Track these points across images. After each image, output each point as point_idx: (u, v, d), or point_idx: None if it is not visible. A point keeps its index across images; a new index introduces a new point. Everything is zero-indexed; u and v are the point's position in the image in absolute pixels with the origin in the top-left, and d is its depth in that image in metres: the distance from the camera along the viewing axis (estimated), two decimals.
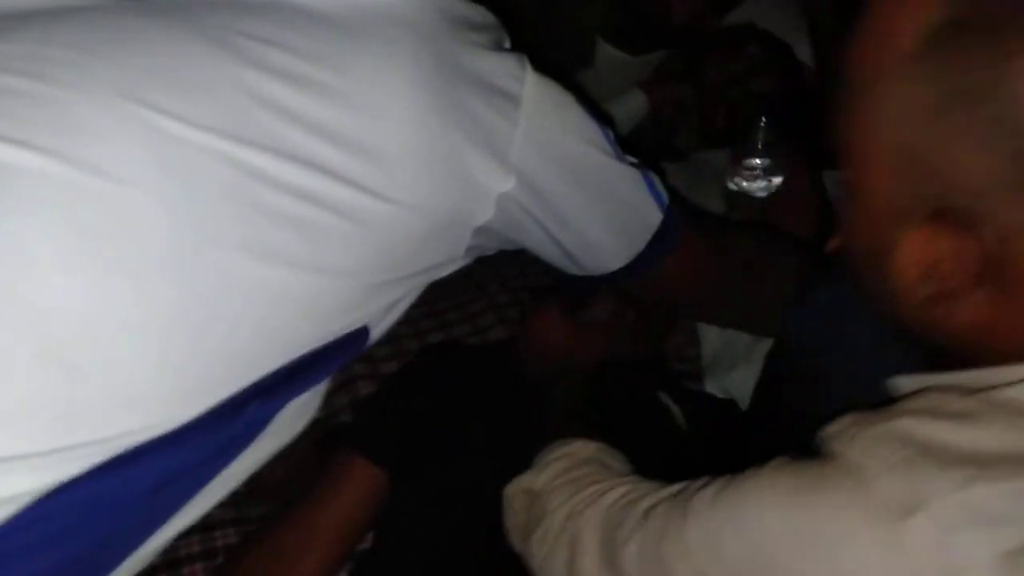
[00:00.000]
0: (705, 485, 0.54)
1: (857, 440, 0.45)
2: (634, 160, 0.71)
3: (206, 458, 0.52)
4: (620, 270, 0.73)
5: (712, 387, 1.13)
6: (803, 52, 1.51)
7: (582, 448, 0.75)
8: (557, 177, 0.61)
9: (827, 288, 0.76)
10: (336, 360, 0.56)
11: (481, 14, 0.60)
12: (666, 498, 0.57)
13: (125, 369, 0.46)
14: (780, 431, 0.82)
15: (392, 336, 1.24)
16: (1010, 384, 0.42)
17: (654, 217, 0.72)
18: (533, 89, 0.58)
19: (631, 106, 1.43)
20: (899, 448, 0.42)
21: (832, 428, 0.48)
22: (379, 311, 0.58)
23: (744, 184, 1.00)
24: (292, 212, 0.48)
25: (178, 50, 0.49)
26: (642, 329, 0.98)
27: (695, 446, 0.98)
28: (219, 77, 0.48)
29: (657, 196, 0.72)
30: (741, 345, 1.13)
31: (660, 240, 0.72)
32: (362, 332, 0.57)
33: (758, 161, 1.00)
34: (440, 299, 1.33)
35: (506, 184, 0.58)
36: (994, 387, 0.43)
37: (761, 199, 1.00)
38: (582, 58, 1.53)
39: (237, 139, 0.47)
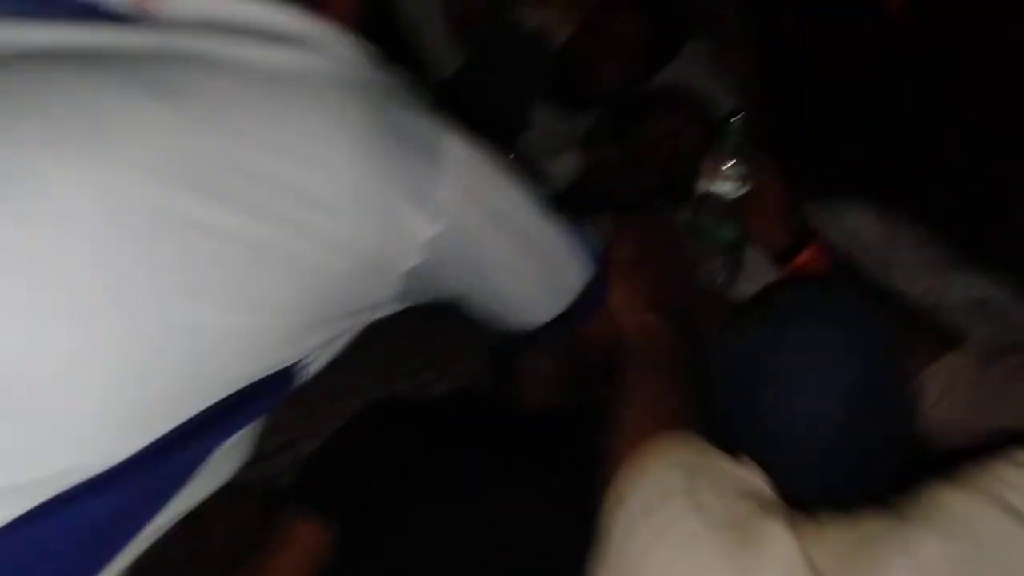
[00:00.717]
0: None
1: None
2: (564, 219, 0.74)
3: (141, 500, 0.53)
4: (548, 325, 0.75)
5: None
6: (727, 108, 1.59)
7: (691, 455, 0.65)
8: (483, 228, 0.65)
9: (742, 329, 0.80)
10: (269, 398, 0.58)
11: (405, 77, 0.64)
12: None
13: (65, 409, 0.47)
14: None
15: (335, 392, 1.26)
16: None
17: (582, 275, 0.75)
18: (458, 142, 0.63)
19: (567, 165, 1.49)
20: None
21: None
22: (310, 349, 0.60)
23: (714, 187, 1.00)
24: (223, 253, 0.51)
25: (111, 98, 0.51)
26: (575, 376, 1.00)
27: None
28: (151, 123, 0.51)
29: (586, 254, 0.75)
30: None
31: (588, 297, 0.75)
32: (292, 370, 0.59)
33: (730, 165, 0.99)
34: (383, 355, 1.34)
35: (431, 230, 0.61)
36: None
37: (731, 202, 1.00)
38: (521, 121, 1.58)
39: (168, 183, 0.50)
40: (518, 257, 0.69)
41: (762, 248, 1.03)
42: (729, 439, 0.83)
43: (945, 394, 0.83)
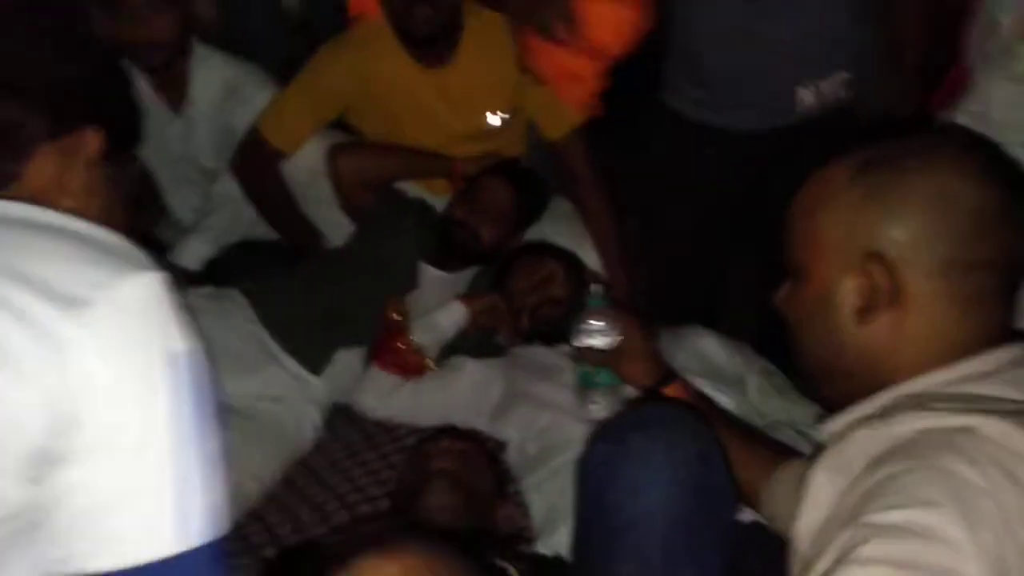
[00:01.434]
0: None
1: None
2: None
3: None
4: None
5: (544, 548, 1.31)
6: (589, 258, 1.84)
7: None
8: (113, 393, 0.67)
9: (603, 443, 0.98)
10: None
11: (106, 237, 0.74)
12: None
13: None
14: (586, 565, 1.00)
15: (244, 538, 1.35)
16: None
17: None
18: (120, 304, 0.69)
19: (453, 315, 1.69)
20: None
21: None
22: None
23: (590, 340, 1.19)
24: None
25: None
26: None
27: None
28: None
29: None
30: (564, 508, 1.31)
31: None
32: None
33: (595, 321, 1.20)
34: (286, 495, 1.47)
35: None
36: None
37: (605, 352, 1.19)
38: (409, 281, 1.78)
39: None
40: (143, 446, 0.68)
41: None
42: (582, 537, 1.00)
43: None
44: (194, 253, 1.88)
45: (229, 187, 1.91)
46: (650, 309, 1.67)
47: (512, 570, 1.18)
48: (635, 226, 1.84)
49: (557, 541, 1.29)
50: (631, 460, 0.92)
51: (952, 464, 0.60)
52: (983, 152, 0.75)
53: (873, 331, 0.73)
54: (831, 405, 0.78)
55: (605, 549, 0.95)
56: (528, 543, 1.35)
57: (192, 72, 1.89)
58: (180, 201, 2.04)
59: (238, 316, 1.64)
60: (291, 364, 1.62)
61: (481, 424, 1.57)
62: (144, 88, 1.92)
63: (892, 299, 0.72)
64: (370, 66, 1.81)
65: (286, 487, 1.50)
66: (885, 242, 0.72)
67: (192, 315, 1.62)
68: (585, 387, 1.26)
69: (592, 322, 1.20)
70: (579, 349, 1.22)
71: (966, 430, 0.63)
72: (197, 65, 1.89)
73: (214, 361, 1.58)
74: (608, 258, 1.84)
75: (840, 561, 0.59)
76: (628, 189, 1.87)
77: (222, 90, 1.91)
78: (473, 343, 1.71)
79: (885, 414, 0.70)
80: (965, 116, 1.45)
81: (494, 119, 1.85)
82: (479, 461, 1.32)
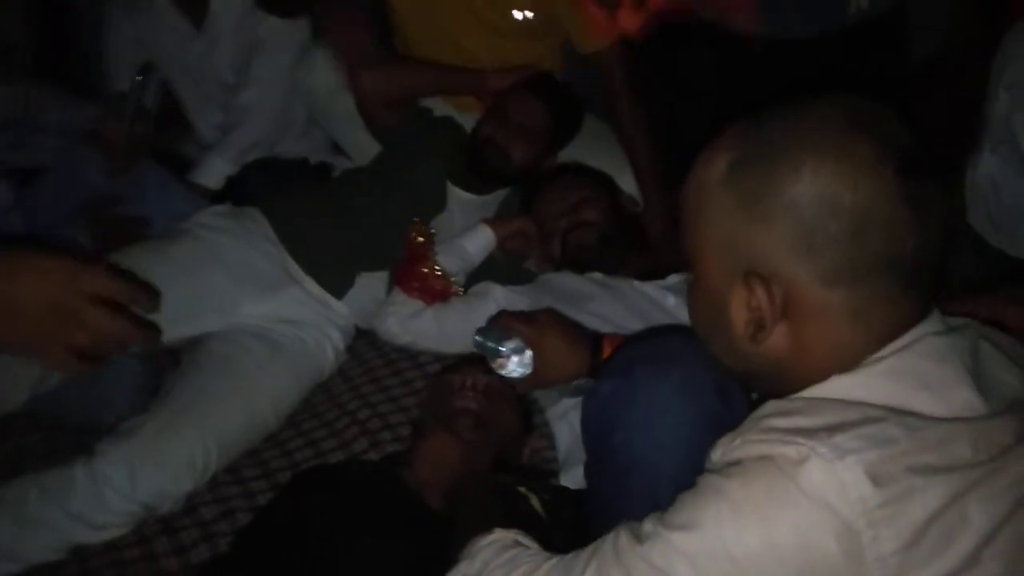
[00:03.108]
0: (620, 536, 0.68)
1: (747, 446, 0.64)
2: None
3: None
4: None
5: (567, 480, 1.25)
6: (625, 182, 1.74)
7: (503, 536, 0.85)
8: None
9: (608, 380, 0.90)
10: None
11: None
12: (593, 557, 0.70)
13: None
14: (598, 506, 0.94)
15: (263, 463, 1.33)
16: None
17: None
18: None
19: (480, 240, 1.61)
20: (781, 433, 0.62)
21: (718, 452, 0.67)
22: None
23: (511, 374, 1.05)
24: None
25: None
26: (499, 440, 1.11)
27: (554, 531, 1.09)
28: None
29: None
30: None
31: None
32: None
33: (501, 351, 1.05)
34: (306, 419, 1.44)
35: None
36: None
37: (525, 379, 1.05)
38: (436, 202, 1.71)
39: None
40: None
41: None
42: (593, 478, 0.94)
43: None
44: (215, 171, 1.82)
45: (249, 99, 1.84)
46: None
47: (534, 499, 1.12)
48: (670, 149, 1.73)
49: (582, 473, 1.23)
50: (638, 398, 0.84)
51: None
52: (868, 132, 0.63)
53: (770, 344, 0.67)
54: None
55: (615, 489, 0.88)
56: (553, 475, 1.30)
57: None
58: (203, 118, 1.98)
59: (258, 235, 1.58)
60: (312, 286, 1.57)
61: None
62: (164, 4, 1.85)
63: (780, 314, 0.66)
64: None
65: (305, 410, 1.47)
66: (760, 256, 0.65)
67: (209, 233, 1.59)
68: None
69: (498, 359, 1.05)
70: (510, 386, 1.12)
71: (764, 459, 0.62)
72: None
73: (234, 280, 1.54)
74: (644, 181, 1.73)
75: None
76: (662, 111, 1.75)
77: (244, 2, 1.82)
78: (501, 268, 1.63)
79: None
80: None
81: (518, 15, 1.74)
82: (503, 397, 1.26)
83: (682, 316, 1.35)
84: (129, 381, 1.42)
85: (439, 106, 1.85)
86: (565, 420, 1.32)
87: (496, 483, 1.12)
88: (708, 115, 1.63)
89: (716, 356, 0.75)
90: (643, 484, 0.83)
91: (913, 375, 0.64)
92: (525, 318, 1.07)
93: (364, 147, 1.82)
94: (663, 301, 1.47)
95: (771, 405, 0.67)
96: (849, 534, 0.58)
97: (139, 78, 1.79)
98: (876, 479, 0.58)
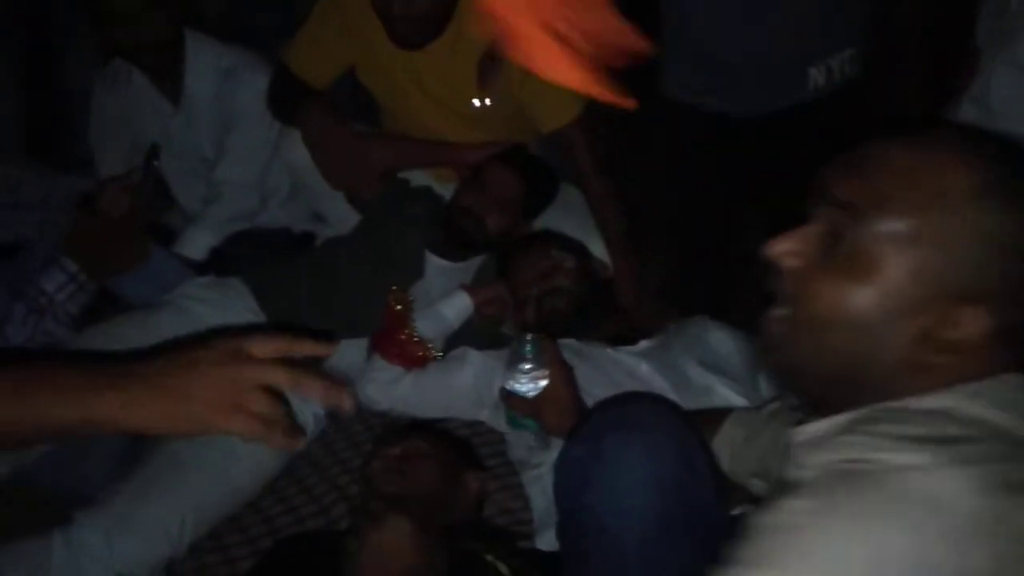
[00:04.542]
0: None
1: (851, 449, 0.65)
2: None
3: None
4: None
5: (542, 542, 1.27)
6: (596, 248, 1.80)
7: None
8: None
9: (579, 444, 0.94)
10: None
11: None
12: None
13: None
14: (571, 567, 0.97)
15: (244, 529, 1.34)
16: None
17: None
18: None
19: (457, 305, 1.65)
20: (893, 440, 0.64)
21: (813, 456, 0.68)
22: None
23: (516, 387, 1.21)
24: None
25: None
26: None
27: None
28: None
29: None
30: None
31: None
32: None
33: (527, 366, 1.21)
34: (286, 485, 1.46)
35: None
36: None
37: (527, 401, 1.22)
38: (415, 270, 1.75)
39: None
40: None
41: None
42: (565, 539, 0.97)
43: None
44: (199, 243, 1.87)
45: (225, 173, 1.90)
46: (658, 300, 1.63)
47: (503, 566, 1.14)
48: (641, 217, 1.80)
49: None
50: (606, 462, 0.88)
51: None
52: None
53: (932, 361, 0.68)
54: (814, 405, 0.74)
55: (583, 551, 0.92)
56: (525, 538, 1.32)
57: (186, 63, 1.88)
58: (186, 191, 2.03)
59: (239, 305, 1.63)
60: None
61: (483, 416, 1.54)
62: (142, 84, 1.92)
63: (959, 348, 0.67)
64: (366, 24, 1.74)
65: (286, 477, 1.49)
66: (985, 285, 0.66)
67: (193, 304, 1.62)
68: (513, 428, 1.32)
69: (522, 366, 1.22)
70: (506, 393, 1.24)
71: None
72: (190, 55, 1.88)
73: None
74: (614, 248, 1.79)
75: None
76: (632, 181, 1.82)
77: (217, 78, 1.90)
78: (478, 333, 1.67)
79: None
80: (969, 103, 1.41)
81: (476, 103, 1.81)
82: (423, 461, 1.23)
83: (655, 384, 1.41)
84: (107, 451, 1.44)
85: (417, 176, 1.91)
86: (539, 484, 1.34)
87: (462, 553, 1.14)
88: (678, 188, 1.73)
89: (810, 351, 0.73)
90: (609, 546, 0.86)
91: (1005, 401, 0.66)
92: (563, 360, 1.23)
93: (345, 216, 1.88)
94: (636, 368, 1.51)
95: (869, 412, 0.68)
96: (960, 541, 0.59)
97: (156, 163, 1.83)
98: (987, 490, 0.60)
